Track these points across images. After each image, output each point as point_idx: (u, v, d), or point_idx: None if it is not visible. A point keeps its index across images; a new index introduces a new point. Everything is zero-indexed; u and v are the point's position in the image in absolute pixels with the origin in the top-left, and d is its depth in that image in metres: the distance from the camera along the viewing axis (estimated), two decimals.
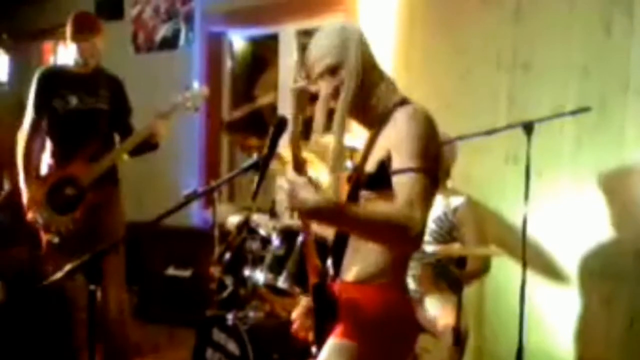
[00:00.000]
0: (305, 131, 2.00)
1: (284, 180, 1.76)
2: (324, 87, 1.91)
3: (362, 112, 1.90)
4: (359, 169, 1.91)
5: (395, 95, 1.89)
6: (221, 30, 5.53)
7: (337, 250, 1.95)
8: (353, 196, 1.89)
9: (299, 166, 1.86)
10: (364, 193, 1.84)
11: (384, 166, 1.77)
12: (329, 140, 2.02)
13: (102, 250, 1.85)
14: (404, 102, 1.86)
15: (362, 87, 1.88)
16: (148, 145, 3.59)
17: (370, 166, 1.83)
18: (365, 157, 1.89)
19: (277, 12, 4.85)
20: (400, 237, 1.68)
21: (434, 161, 1.76)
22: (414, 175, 1.70)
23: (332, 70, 1.89)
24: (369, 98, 1.88)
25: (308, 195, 1.69)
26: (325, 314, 1.92)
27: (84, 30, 3.55)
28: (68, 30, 3.58)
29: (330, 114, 1.92)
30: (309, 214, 1.74)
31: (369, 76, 1.89)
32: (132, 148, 3.56)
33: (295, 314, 2.10)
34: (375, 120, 1.89)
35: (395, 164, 1.75)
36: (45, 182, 3.54)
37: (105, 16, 5.80)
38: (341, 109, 1.88)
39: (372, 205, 1.78)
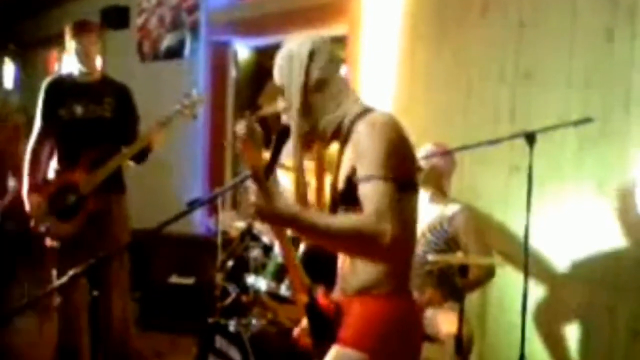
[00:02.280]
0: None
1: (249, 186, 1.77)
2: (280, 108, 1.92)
3: (319, 129, 1.86)
4: (332, 186, 1.90)
5: (355, 106, 1.85)
6: (226, 40, 5.57)
7: (327, 263, 1.95)
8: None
9: (267, 174, 1.81)
10: (339, 210, 1.83)
11: (351, 182, 1.76)
12: (332, 148, 2.03)
13: (106, 256, 1.85)
14: (365, 112, 1.82)
15: (309, 106, 1.85)
16: (145, 150, 3.63)
17: (340, 183, 1.82)
18: (336, 174, 1.88)
19: (282, 22, 4.88)
20: (369, 247, 1.66)
21: (401, 167, 1.72)
22: (378, 183, 1.67)
23: (282, 91, 1.90)
24: (322, 114, 1.85)
25: (275, 204, 1.69)
26: (320, 332, 1.92)
27: (79, 29, 3.61)
28: (66, 37, 3.65)
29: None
30: (277, 222, 1.75)
31: (319, 93, 1.85)
32: (132, 155, 3.59)
33: (295, 333, 2.08)
34: (336, 136, 1.86)
35: (359, 174, 1.72)
36: (48, 189, 3.57)
37: (111, 25, 5.86)
38: (293, 131, 1.86)
39: (340, 216, 1.76)
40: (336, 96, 1.87)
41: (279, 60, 1.92)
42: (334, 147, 1.99)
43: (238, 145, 1.85)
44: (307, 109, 1.86)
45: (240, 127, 1.87)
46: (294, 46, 1.91)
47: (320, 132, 1.87)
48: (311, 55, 1.87)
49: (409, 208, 1.78)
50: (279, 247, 2.26)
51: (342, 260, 1.91)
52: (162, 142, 3.62)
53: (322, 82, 1.86)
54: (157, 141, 3.58)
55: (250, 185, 1.75)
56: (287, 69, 1.88)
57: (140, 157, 3.66)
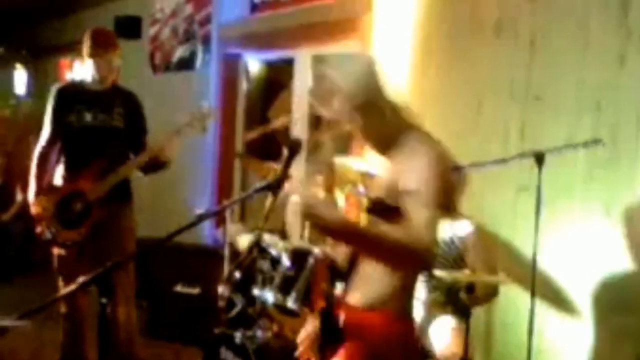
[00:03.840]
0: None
1: (298, 196, 1.81)
2: (333, 113, 1.95)
3: (372, 138, 1.94)
4: (369, 193, 1.94)
5: (405, 122, 1.93)
6: (237, 53, 5.61)
7: (347, 273, 1.97)
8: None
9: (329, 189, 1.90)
10: (372, 218, 1.87)
11: (394, 193, 1.80)
12: (343, 163, 2.06)
13: (115, 264, 1.87)
14: (414, 129, 1.90)
15: (367, 115, 1.90)
16: (157, 163, 3.63)
17: (382, 193, 1.87)
18: (374, 183, 1.93)
19: (293, 37, 4.92)
20: (408, 258, 1.72)
21: (443, 189, 1.79)
22: (423, 200, 1.74)
23: (339, 98, 1.92)
24: (377, 125, 1.91)
25: (326, 211, 1.73)
26: (330, 340, 1.94)
27: (100, 46, 3.61)
28: (85, 46, 3.64)
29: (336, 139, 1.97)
30: (324, 229, 1.78)
31: (375, 105, 1.91)
32: (139, 165, 3.61)
33: (301, 336, 2.11)
34: (384, 148, 1.93)
35: (404, 188, 1.78)
36: (54, 195, 3.58)
37: (124, 35, 5.90)
38: (358, 135, 1.92)
39: (383, 226, 1.80)
40: (395, 107, 1.94)
41: (342, 67, 1.97)
42: (342, 161, 2.02)
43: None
44: (369, 116, 1.91)
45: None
46: (355, 56, 2.07)
47: (375, 140, 1.93)
48: (369, 67, 1.95)
49: (438, 224, 1.83)
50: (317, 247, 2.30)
51: (356, 274, 1.93)
52: (175, 153, 3.64)
53: (381, 93, 1.93)
54: (169, 152, 3.60)
55: (305, 197, 1.78)
56: (351, 75, 1.93)
57: (152, 168, 3.67)
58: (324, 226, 1.77)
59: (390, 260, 1.80)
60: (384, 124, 1.91)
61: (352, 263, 1.96)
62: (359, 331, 1.87)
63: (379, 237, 1.74)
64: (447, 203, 1.85)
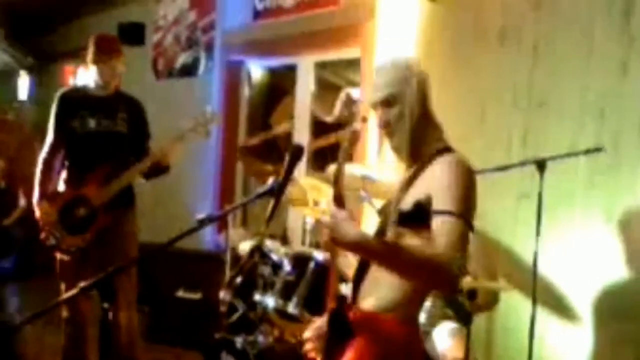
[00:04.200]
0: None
1: (321, 212, 1.81)
2: (377, 120, 1.98)
3: (409, 147, 1.95)
4: (393, 205, 1.94)
5: (440, 141, 1.96)
6: (240, 59, 5.63)
7: (356, 278, 1.98)
8: (381, 231, 1.93)
9: (340, 200, 1.88)
10: (396, 230, 1.88)
11: (420, 207, 1.82)
12: (346, 169, 2.07)
13: (116, 268, 1.88)
14: (448, 149, 1.92)
15: (417, 124, 1.94)
16: (159, 168, 3.64)
17: (407, 204, 1.87)
18: (401, 194, 1.92)
19: (296, 44, 4.94)
20: (440, 278, 1.74)
21: (472, 209, 1.83)
22: (454, 219, 1.76)
23: (388, 102, 1.95)
24: (419, 138, 1.94)
25: (349, 229, 1.74)
26: (339, 339, 1.94)
27: (104, 53, 3.63)
28: (89, 52, 3.66)
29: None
30: (349, 248, 1.79)
31: (423, 117, 1.96)
32: (142, 171, 3.62)
33: (307, 334, 2.12)
34: (416, 161, 1.94)
35: (437, 207, 1.80)
36: (58, 201, 3.59)
37: (127, 42, 5.92)
38: (406, 137, 1.94)
39: (412, 245, 1.81)
40: (428, 121, 1.98)
41: (392, 68, 1.99)
42: (349, 170, 2.03)
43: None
44: (417, 124, 1.95)
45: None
46: (409, 63, 2.01)
47: (416, 148, 1.95)
48: (417, 74, 1.99)
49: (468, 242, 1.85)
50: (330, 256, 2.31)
51: (367, 278, 1.94)
52: (178, 158, 3.65)
53: (429, 107, 2.00)
54: (172, 157, 3.61)
55: (328, 215, 1.79)
56: (402, 79, 1.95)
57: (154, 173, 3.68)
58: (350, 246, 1.79)
59: (419, 278, 1.82)
60: (423, 137, 1.94)
61: (361, 269, 1.97)
62: (368, 333, 1.88)
63: (407, 256, 1.76)
64: (472, 224, 1.86)
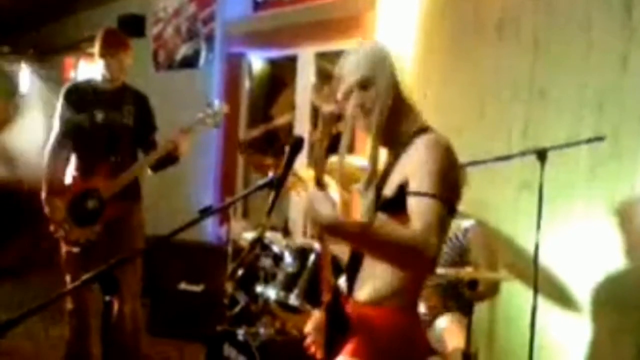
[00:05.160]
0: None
1: (302, 194, 1.80)
2: (351, 104, 1.92)
3: (387, 133, 1.91)
4: (376, 191, 1.92)
5: (417, 122, 1.91)
6: (241, 51, 5.63)
7: (351, 268, 1.98)
8: (368, 218, 1.92)
9: (320, 183, 1.87)
10: (380, 216, 1.86)
11: (402, 191, 1.79)
12: (347, 160, 2.06)
13: (118, 261, 1.88)
14: (426, 129, 1.88)
15: (391, 108, 1.89)
16: (169, 159, 3.65)
17: (389, 190, 1.85)
18: (382, 180, 1.91)
19: (296, 35, 4.93)
20: (415, 260, 1.69)
21: (452, 190, 1.78)
22: (431, 200, 1.72)
23: (364, 85, 1.90)
24: (395, 120, 1.90)
25: (326, 210, 1.72)
26: (337, 331, 1.95)
27: (111, 47, 3.64)
28: (97, 46, 3.67)
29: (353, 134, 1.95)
30: (325, 228, 1.76)
31: (397, 99, 1.91)
32: (154, 163, 3.63)
33: (307, 328, 2.12)
34: (395, 144, 1.91)
35: (413, 187, 1.76)
36: (67, 194, 3.61)
37: (127, 33, 5.91)
38: (375, 124, 1.89)
39: (388, 226, 1.78)
40: (402, 105, 1.92)
41: (353, 59, 1.94)
42: (350, 161, 2.02)
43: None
44: (377, 109, 1.90)
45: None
46: (369, 49, 1.96)
47: (393, 132, 1.91)
48: (386, 60, 1.93)
49: (447, 230, 1.83)
50: (319, 242, 2.29)
51: (362, 269, 1.94)
52: (188, 149, 3.66)
53: (393, 88, 1.91)
54: (183, 149, 3.62)
55: (307, 196, 1.77)
56: (374, 63, 1.91)
57: (162, 165, 3.69)
58: (326, 227, 1.74)
59: (394, 261, 1.78)
60: (399, 121, 1.90)
61: (355, 259, 1.97)
62: (366, 327, 1.87)
63: (382, 237, 1.71)
64: (455, 205, 1.83)
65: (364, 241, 1.76)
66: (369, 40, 2.02)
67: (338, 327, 1.93)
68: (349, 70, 1.93)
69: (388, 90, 1.89)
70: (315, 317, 2.11)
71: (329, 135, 1.96)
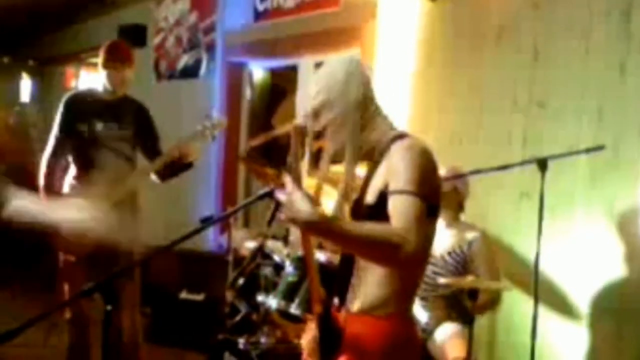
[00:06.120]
0: (318, 161, 2.02)
1: (282, 193, 1.79)
2: (321, 124, 1.92)
3: (360, 146, 1.91)
4: (358, 201, 1.93)
5: (392, 129, 1.93)
6: (242, 61, 5.65)
7: (342, 276, 1.98)
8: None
9: (298, 182, 1.82)
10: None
11: (383, 197, 1.80)
12: (342, 169, 2.07)
13: (119, 271, 1.88)
14: (401, 136, 1.89)
15: (360, 122, 1.90)
16: (178, 167, 3.66)
17: (370, 198, 1.86)
18: (363, 190, 1.91)
19: (297, 45, 4.95)
20: (391, 256, 1.69)
21: (430, 190, 1.78)
22: (410, 198, 1.73)
23: (328, 106, 1.91)
24: (366, 132, 1.91)
25: (303, 207, 1.71)
26: (330, 344, 1.94)
27: (116, 60, 3.66)
28: (101, 56, 3.69)
29: (317, 151, 1.95)
30: (303, 225, 1.75)
31: (367, 111, 1.92)
32: (158, 171, 3.64)
33: (304, 340, 2.12)
34: (372, 154, 1.91)
35: (392, 188, 1.77)
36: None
37: (128, 43, 5.94)
38: (350, 141, 1.89)
39: (368, 224, 1.77)
40: (374, 116, 1.93)
41: (321, 76, 1.96)
42: (338, 168, 2.03)
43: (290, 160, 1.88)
44: (347, 125, 1.90)
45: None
46: (336, 64, 1.96)
47: (354, 149, 1.91)
48: (353, 74, 1.93)
49: (429, 232, 1.83)
50: (303, 254, 2.27)
51: (353, 279, 1.94)
52: (197, 156, 3.68)
53: (362, 102, 1.92)
54: (193, 155, 3.63)
55: (286, 194, 1.76)
56: (330, 85, 1.92)
57: (172, 173, 3.70)
58: (306, 225, 1.74)
59: (374, 257, 1.78)
60: (372, 131, 1.91)
61: (345, 267, 1.96)
62: (360, 338, 1.87)
63: (364, 232, 1.71)
64: (435, 204, 1.83)
65: (344, 237, 1.75)
66: (337, 57, 2.02)
67: (331, 340, 1.92)
68: (315, 91, 1.94)
69: (354, 106, 1.90)
70: (310, 328, 2.11)
71: (301, 150, 1.95)
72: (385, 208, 1.77)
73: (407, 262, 1.70)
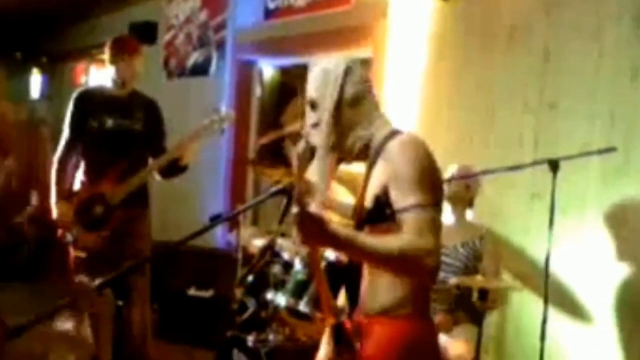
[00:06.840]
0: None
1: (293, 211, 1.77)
2: (306, 123, 1.96)
3: (345, 147, 1.92)
4: (358, 205, 1.93)
5: (386, 127, 1.92)
6: (251, 59, 5.65)
7: (352, 281, 1.97)
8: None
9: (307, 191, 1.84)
10: (365, 229, 1.86)
11: (380, 201, 1.80)
12: (357, 170, 2.06)
13: (131, 267, 1.89)
14: (395, 133, 1.88)
15: (340, 120, 1.90)
16: (177, 167, 3.67)
17: (368, 201, 1.86)
18: (362, 193, 1.91)
19: (307, 44, 4.95)
20: (416, 268, 1.71)
21: (434, 188, 1.79)
22: (420, 212, 1.73)
23: (312, 105, 1.94)
24: (359, 128, 1.91)
25: (312, 228, 1.70)
26: (344, 355, 1.92)
27: (123, 51, 3.67)
28: (107, 53, 3.71)
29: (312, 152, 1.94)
30: (314, 246, 1.78)
31: (351, 109, 1.91)
32: (160, 168, 3.65)
33: (320, 356, 2.07)
34: (366, 151, 1.91)
35: (398, 201, 1.76)
36: (75, 199, 3.62)
37: (139, 40, 5.95)
38: (321, 145, 1.90)
39: (384, 238, 1.77)
40: (367, 115, 1.94)
41: (314, 75, 1.98)
42: (355, 168, 2.02)
43: (295, 163, 1.88)
44: (338, 124, 1.91)
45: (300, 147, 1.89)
46: (329, 64, 1.98)
47: (348, 148, 1.92)
48: (346, 72, 1.94)
49: (440, 225, 1.82)
50: (311, 266, 2.27)
51: (365, 281, 1.93)
52: (195, 156, 3.68)
53: (355, 99, 1.93)
54: (189, 155, 3.64)
55: (296, 213, 1.74)
56: (321, 84, 1.94)
57: (171, 172, 3.71)
58: (314, 244, 1.76)
59: (397, 271, 1.79)
60: (359, 132, 1.91)
61: (355, 271, 1.96)
62: (379, 339, 1.86)
63: (380, 250, 1.71)
64: (439, 201, 1.83)
65: (358, 252, 1.76)
66: (327, 60, 2.02)
67: (344, 352, 1.91)
68: (307, 91, 1.98)
69: (332, 107, 1.90)
70: (326, 343, 2.06)
71: (304, 172, 1.92)
72: (382, 212, 1.78)
73: (430, 271, 1.71)
